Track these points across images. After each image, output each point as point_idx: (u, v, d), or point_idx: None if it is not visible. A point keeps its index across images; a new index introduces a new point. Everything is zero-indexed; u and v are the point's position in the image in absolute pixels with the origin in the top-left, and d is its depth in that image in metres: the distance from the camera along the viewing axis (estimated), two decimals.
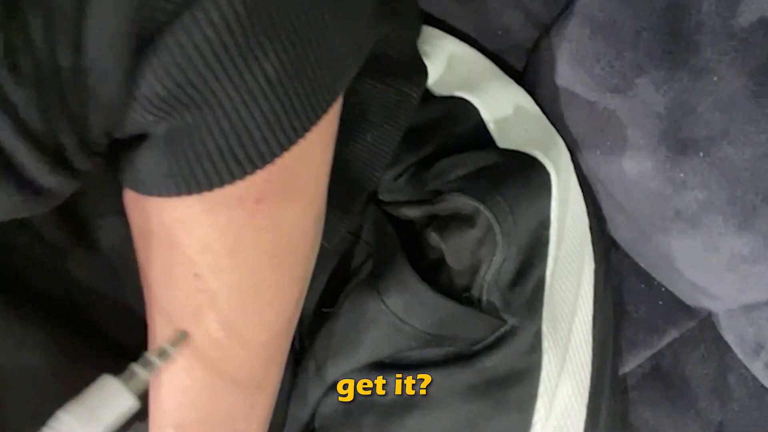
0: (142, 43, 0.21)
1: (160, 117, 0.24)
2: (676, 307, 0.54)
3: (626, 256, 0.54)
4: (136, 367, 0.28)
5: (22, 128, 0.21)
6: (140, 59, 0.22)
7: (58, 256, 0.33)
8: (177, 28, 0.21)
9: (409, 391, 0.37)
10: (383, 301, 0.36)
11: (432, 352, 0.37)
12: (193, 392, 0.32)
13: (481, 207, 0.34)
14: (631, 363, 0.57)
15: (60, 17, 0.20)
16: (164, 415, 0.33)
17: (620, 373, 0.58)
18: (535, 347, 0.37)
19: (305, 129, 0.26)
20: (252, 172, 0.25)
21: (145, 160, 0.25)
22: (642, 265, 0.53)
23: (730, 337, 0.52)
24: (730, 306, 0.49)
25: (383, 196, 0.40)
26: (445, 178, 0.37)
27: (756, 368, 0.51)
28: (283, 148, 0.25)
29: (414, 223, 0.39)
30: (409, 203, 0.39)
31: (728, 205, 0.40)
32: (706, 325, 0.54)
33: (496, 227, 0.34)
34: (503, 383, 0.36)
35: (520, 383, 0.37)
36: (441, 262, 0.37)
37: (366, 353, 0.38)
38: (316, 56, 0.25)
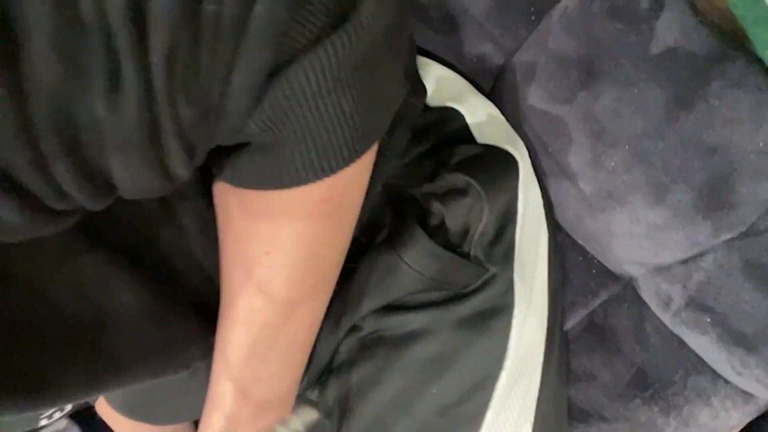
0: (267, 79, 0.24)
1: (264, 131, 0.26)
2: (605, 274, 0.58)
3: (567, 236, 0.57)
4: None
5: (182, 136, 0.24)
6: (264, 89, 0.24)
7: (150, 225, 0.35)
8: (290, 70, 0.24)
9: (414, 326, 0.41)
10: (399, 255, 0.40)
11: (433, 295, 0.41)
12: (252, 353, 0.34)
13: (472, 181, 0.39)
14: (572, 320, 0.61)
15: (221, 58, 0.22)
16: (228, 366, 0.35)
17: (564, 329, 0.63)
18: (508, 289, 0.41)
19: (363, 151, 0.29)
20: (321, 178, 0.28)
21: (245, 161, 0.28)
22: (579, 241, 0.56)
23: (646, 295, 0.56)
24: (645, 269, 0.54)
25: (395, 180, 0.44)
26: (445, 163, 0.42)
27: (666, 318, 0.56)
28: (347, 164, 0.28)
29: (416, 199, 0.44)
30: (415, 184, 0.43)
31: (646, 186, 0.45)
32: (629, 286, 0.58)
33: (483, 196, 0.39)
34: (486, 316, 0.41)
35: (498, 316, 0.41)
36: (440, 226, 0.41)
37: (381, 298, 0.41)
38: (378, 97, 0.28)
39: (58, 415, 0.48)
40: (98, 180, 0.23)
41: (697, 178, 0.43)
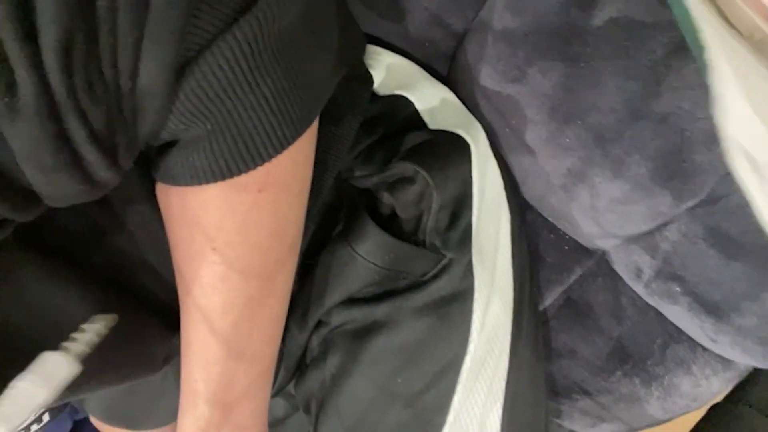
0: (179, 70, 0.24)
1: (188, 125, 0.26)
2: (578, 250, 0.57)
3: (538, 214, 0.57)
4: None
5: (92, 135, 0.23)
6: (177, 82, 0.24)
7: (98, 232, 0.34)
8: (203, 59, 0.24)
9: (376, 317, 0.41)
10: (352, 247, 0.40)
11: (391, 285, 0.41)
12: (213, 362, 0.34)
13: (419, 169, 0.38)
14: (549, 298, 0.61)
15: (123, 53, 0.22)
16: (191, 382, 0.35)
17: (541, 308, 0.62)
18: (467, 274, 0.41)
19: (294, 137, 0.29)
20: (254, 167, 0.28)
21: (175, 159, 0.28)
22: (549, 219, 0.56)
23: (619, 268, 0.56)
24: (615, 242, 0.54)
25: (347, 173, 0.44)
26: (395, 152, 0.41)
27: (639, 289, 0.56)
28: (277, 151, 0.28)
29: (370, 190, 0.43)
30: (365, 175, 0.43)
31: (602, 159, 0.45)
32: (602, 261, 0.58)
33: (431, 183, 0.38)
34: (446, 302, 0.41)
35: (458, 301, 0.41)
36: (393, 216, 0.41)
37: (341, 291, 0.41)
38: (303, 83, 0.28)
39: (35, 427, 0.48)
40: (17, 189, 0.23)
41: (650, 148, 0.42)
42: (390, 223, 0.41)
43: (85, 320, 0.33)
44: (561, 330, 0.63)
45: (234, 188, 0.29)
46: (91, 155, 0.24)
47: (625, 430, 0.69)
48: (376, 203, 0.42)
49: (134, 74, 0.23)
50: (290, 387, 0.50)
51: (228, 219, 0.30)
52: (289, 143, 0.29)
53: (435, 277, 0.40)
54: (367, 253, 0.39)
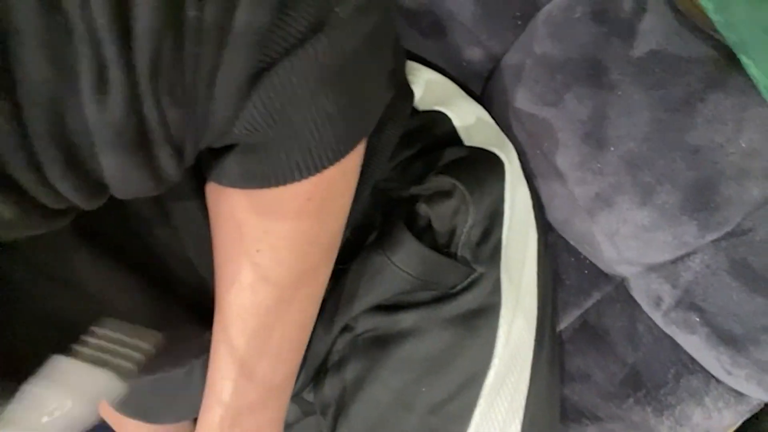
0: (252, 80, 0.25)
1: (252, 132, 0.27)
2: (597, 275, 0.58)
3: (559, 237, 0.58)
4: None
5: (169, 137, 0.25)
6: (248, 91, 0.25)
7: (143, 225, 0.35)
8: (275, 72, 0.25)
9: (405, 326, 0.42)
10: (387, 256, 0.40)
11: (421, 295, 0.42)
12: (245, 357, 0.35)
13: (457, 183, 0.40)
14: (565, 321, 0.62)
15: (204, 61, 0.24)
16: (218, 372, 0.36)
17: (557, 330, 0.63)
18: (495, 289, 0.42)
19: (347, 151, 0.30)
20: (307, 177, 0.29)
21: (232, 161, 0.29)
22: (571, 242, 0.57)
23: (637, 295, 0.57)
24: (636, 270, 0.55)
25: (385, 183, 0.45)
26: (433, 166, 0.42)
27: (657, 318, 0.56)
28: (331, 163, 0.29)
29: (406, 201, 0.44)
30: (403, 187, 0.44)
31: (632, 187, 0.46)
32: (621, 287, 0.59)
33: (468, 198, 0.39)
34: (473, 315, 0.41)
35: (485, 315, 0.41)
36: (427, 228, 0.42)
37: (371, 297, 0.42)
38: (360, 100, 0.29)
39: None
40: (90, 180, 0.24)
41: (682, 178, 0.43)
42: (424, 235, 0.42)
43: (128, 311, 0.34)
44: (576, 353, 0.64)
45: (284, 195, 0.30)
46: (164, 154, 0.25)
47: None
48: (412, 214, 0.42)
49: (212, 82, 0.24)
50: (304, 392, 0.50)
51: (274, 223, 0.31)
52: (342, 156, 0.30)
53: (464, 289, 0.41)
54: (402, 262, 0.40)
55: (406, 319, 0.42)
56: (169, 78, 0.23)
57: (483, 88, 0.54)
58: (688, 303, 0.52)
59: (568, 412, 0.67)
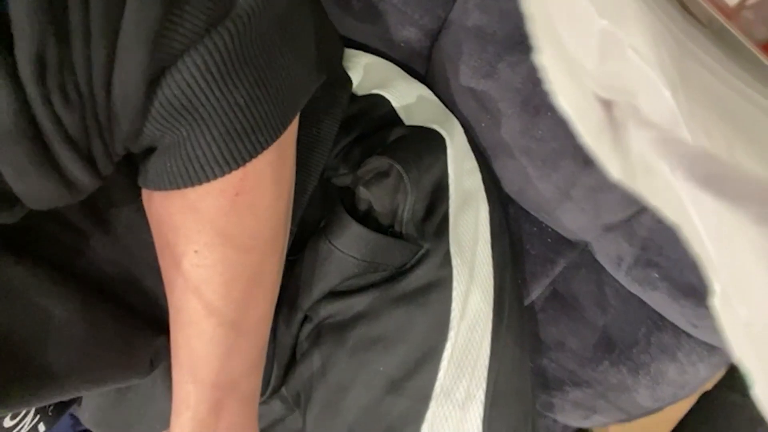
0: (153, 79, 0.25)
1: (164, 132, 0.27)
2: (561, 242, 0.59)
3: (520, 208, 0.58)
4: None
5: (68, 138, 0.24)
6: (151, 91, 0.25)
7: (78, 235, 0.35)
8: (176, 68, 0.25)
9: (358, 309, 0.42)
10: (330, 241, 0.41)
11: (372, 277, 0.42)
12: (203, 364, 0.34)
13: (393, 162, 0.40)
14: (536, 291, 0.62)
15: (96, 63, 0.23)
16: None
17: (528, 301, 0.63)
18: (445, 263, 0.42)
19: (268, 142, 0.29)
20: (229, 172, 0.29)
21: (154, 164, 0.29)
22: (531, 212, 0.57)
23: (601, 258, 0.57)
24: (595, 232, 0.55)
25: (329, 173, 0.45)
26: (371, 150, 0.43)
27: (621, 278, 0.57)
28: (252, 156, 0.29)
29: (349, 188, 0.45)
30: (344, 173, 0.44)
31: (575, 149, 0.46)
32: (585, 252, 0.59)
33: (405, 176, 0.40)
34: (425, 291, 0.41)
35: (437, 290, 0.42)
36: (370, 211, 0.42)
37: (323, 285, 0.42)
38: (277, 89, 0.29)
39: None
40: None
41: None
42: (367, 217, 0.42)
43: (69, 321, 0.34)
44: (549, 322, 0.64)
45: (211, 192, 0.30)
46: (66, 158, 0.25)
47: (617, 421, 0.69)
48: (353, 199, 0.43)
49: (108, 83, 0.24)
50: (283, 388, 0.51)
51: (207, 222, 0.31)
52: (264, 148, 0.29)
53: (413, 267, 0.41)
54: (345, 246, 0.40)
55: (360, 302, 0.42)
56: (59, 82, 0.23)
57: (426, 67, 0.54)
58: (647, 260, 0.52)
59: (549, 382, 0.67)
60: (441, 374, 0.42)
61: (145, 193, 0.33)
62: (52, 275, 0.33)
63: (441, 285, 0.42)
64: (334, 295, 0.43)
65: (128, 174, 0.33)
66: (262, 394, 0.46)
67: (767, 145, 0.22)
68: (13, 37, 0.21)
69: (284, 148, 0.32)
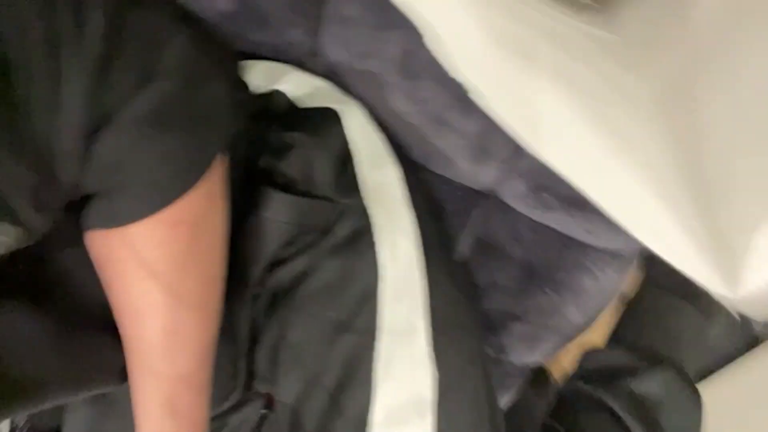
0: (88, 139, 0.29)
1: (104, 179, 0.31)
2: (471, 194, 0.66)
3: (430, 172, 0.65)
4: None
5: (22, 192, 0.28)
6: (87, 150, 0.29)
7: (33, 262, 0.37)
8: (108, 128, 0.29)
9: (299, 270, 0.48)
10: (260, 214, 0.46)
11: (305, 239, 0.48)
12: (156, 389, 0.38)
13: (295, 134, 0.46)
14: (463, 243, 0.68)
15: (38, 134, 0.28)
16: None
17: (458, 256, 0.70)
18: (363, 213, 0.49)
19: (197, 178, 0.34)
20: (159, 210, 0.33)
21: (94, 207, 0.33)
22: (438, 172, 0.64)
23: (507, 198, 0.65)
24: (494, 174, 0.62)
25: (246, 163, 0.51)
26: (277, 134, 0.49)
27: (526, 210, 0.64)
28: (183, 192, 0.33)
29: (264, 169, 0.49)
30: (258, 159, 0.50)
31: (457, 101, 0.54)
32: (494, 197, 0.67)
33: (309, 142, 0.46)
34: (351, 240, 0.47)
35: (360, 236, 0.48)
36: (287, 182, 0.48)
37: (263, 255, 0.47)
38: (200, 135, 0.34)
39: None
40: None
41: None
42: (286, 189, 0.47)
43: (36, 339, 0.37)
44: (479, 268, 0.71)
45: (149, 225, 0.33)
46: (22, 207, 0.29)
47: (560, 343, 0.77)
48: (272, 176, 0.48)
49: (50, 146, 0.28)
50: (255, 382, 0.54)
51: (154, 249, 0.34)
52: (193, 184, 0.33)
53: (337, 221, 0.48)
54: (272, 213, 0.45)
55: (299, 264, 0.48)
56: (10, 148, 0.27)
57: (319, 63, 0.61)
58: (537, 184, 0.61)
59: (493, 322, 0.74)
60: (381, 309, 0.48)
61: (88, 235, 0.36)
62: (17, 293, 0.36)
63: (364, 231, 0.48)
64: (276, 264, 0.49)
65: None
66: (233, 388, 0.49)
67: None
68: None
69: (216, 179, 0.36)
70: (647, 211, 0.28)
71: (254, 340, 0.52)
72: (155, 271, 0.35)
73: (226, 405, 0.50)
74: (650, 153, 0.28)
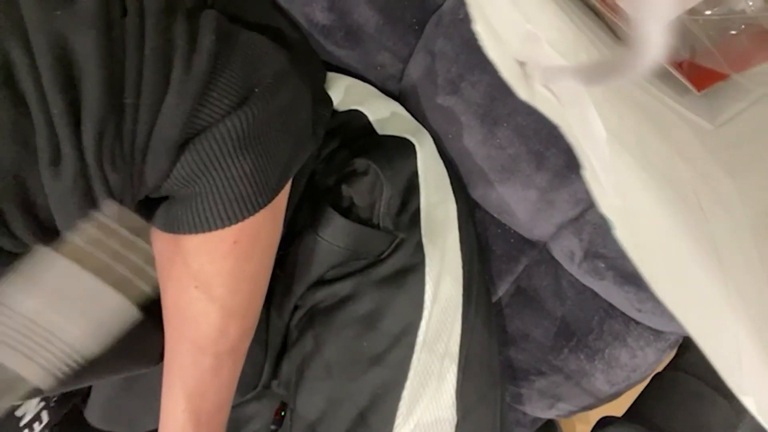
0: (179, 148, 0.31)
1: (179, 187, 0.33)
2: (521, 242, 0.65)
3: (486, 212, 0.64)
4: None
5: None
6: (176, 157, 0.31)
7: None
8: (197, 141, 0.31)
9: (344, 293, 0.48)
10: (318, 234, 0.47)
11: (355, 265, 0.48)
12: (197, 373, 0.39)
13: (370, 162, 0.46)
14: (502, 288, 0.69)
15: (139, 137, 0.30)
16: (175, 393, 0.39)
17: (495, 298, 0.69)
18: (418, 250, 0.49)
19: (266, 203, 0.35)
20: (228, 226, 0.34)
21: (165, 209, 0.35)
22: (494, 214, 0.64)
23: (556, 254, 0.64)
24: (550, 230, 0.62)
25: (314, 177, 0.51)
26: (350, 156, 0.49)
27: (574, 271, 0.64)
28: (251, 213, 0.34)
29: (332, 189, 0.51)
30: (328, 177, 0.50)
31: (527, 154, 0.53)
32: (543, 250, 0.66)
33: (381, 174, 0.46)
34: (401, 274, 0.48)
35: (411, 273, 0.48)
36: (351, 206, 0.48)
37: (311, 274, 0.48)
38: (276, 160, 0.35)
39: (37, 426, 0.52)
40: (44, 228, 0.31)
41: (563, 141, 0.51)
42: (349, 212, 0.48)
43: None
44: (514, 316, 0.70)
45: (211, 239, 0.35)
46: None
47: (580, 408, 0.75)
48: (337, 197, 0.49)
49: (146, 150, 0.31)
50: (273, 385, 0.55)
51: (207, 263, 0.36)
52: (262, 206, 0.35)
53: (391, 254, 0.48)
54: (330, 237, 0.46)
55: (345, 287, 0.48)
56: (111, 150, 0.29)
57: (399, 87, 0.61)
58: (594, 252, 0.59)
59: (516, 372, 0.73)
60: (417, 348, 0.48)
61: (155, 232, 0.38)
62: None
63: (415, 269, 0.48)
64: (322, 283, 0.49)
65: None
66: (255, 386, 0.51)
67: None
68: (82, 117, 0.28)
69: (277, 204, 0.38)
70: (725, 336, 0.26)
71: (284, 348, 0.52)
72: (205, 283, 0.36)
73: (242, 399, 0.51)
74: (746, 280, 0.27)
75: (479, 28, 0.26)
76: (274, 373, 0.53)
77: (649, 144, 0.31)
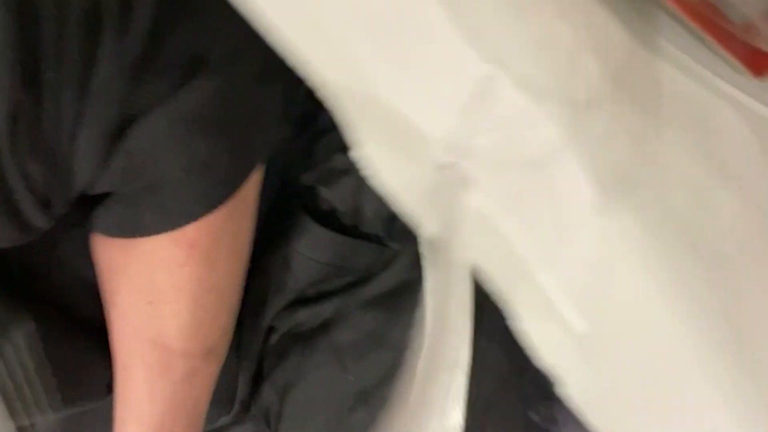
0: (114, 136, 0.26)
1: (122, 181, 0.28)
2: None
3: None
4: None
5: (30, 187, 0.25)
6: (114, 144, 0.26)
7: (32, 268, 0.34)
8: (137, 126, 0.26)
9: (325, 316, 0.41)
10: (293, 246, 0.40)
11: (338, 282, 0.41)
12: (154, 405, 0.34)
13: (349, 158, 0.38)
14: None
15: (64, 121, 0.25)
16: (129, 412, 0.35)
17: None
18: (415, 264, 0.40)
19: (226, 197, 0.30)
20: (182, 225, 0.29)
21: (107, 209, 0.30)
22: None
23: None
24: None
25: (287, 172, 0.43)
26: (329, 147, 0.41)
27: None
28: (209, 210, 0.29)
29: (306, 188, 0.42)
30: (303, 172, 0.42)
31: None
32: None
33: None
34: (394, 294, 0.40)
35: (408, 292, 0.40)
36: (331, 211, 0.41)
37: (287, 291, 0.41)
38: (241, 144, 0.30)
39: None
40: None
41: None
42: (329, 218, 0.40)
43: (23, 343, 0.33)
44: None
45: (163, 243, 0.30)
46: (26, 204, 0.26)
47: None
48: (314, 200, 0.41)
49: (73, 136, 0.25)
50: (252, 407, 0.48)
51: (160, 273, 0.31)
52: (221, 203, 0.29)
53: (381, 270, 0.40)
54: (307, 249, 0.39)
55: (327, 309, 0.41)
56: (29, 135, 0.24)
57: None
58: None
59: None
60: (417, 381, 0.40)
61: (96, 240, 0.33)
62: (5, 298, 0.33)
63: (411, 288, 0.40)
64: (299, 302, 0.42)
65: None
66: (229, 411, 0.45)
67: None
68: None
69: (243, 199, 0.32)
70: None
71: (260, 375, 0.45)
72: (159, 297, 0.31)
73: (220, 423, 0.45)
74: None
75: (369, 148, 0.20)
76: (252, 393, 0.46)
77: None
